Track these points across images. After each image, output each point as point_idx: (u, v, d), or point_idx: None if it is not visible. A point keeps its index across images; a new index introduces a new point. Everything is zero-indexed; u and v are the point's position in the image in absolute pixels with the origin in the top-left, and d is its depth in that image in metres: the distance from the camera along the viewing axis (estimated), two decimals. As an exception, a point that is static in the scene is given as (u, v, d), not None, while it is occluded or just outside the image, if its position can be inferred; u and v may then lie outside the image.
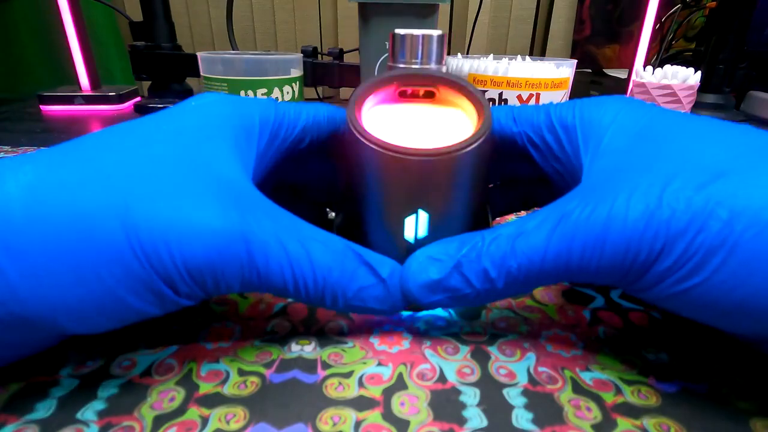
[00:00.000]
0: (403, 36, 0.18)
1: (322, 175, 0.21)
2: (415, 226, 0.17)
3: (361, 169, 0.17)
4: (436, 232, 0.17)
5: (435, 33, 0.18)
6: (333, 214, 0.24)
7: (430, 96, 0.18)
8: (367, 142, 0.16)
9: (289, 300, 0.20)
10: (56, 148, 0.14)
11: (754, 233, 0.12)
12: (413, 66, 0.18)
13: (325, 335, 0.17)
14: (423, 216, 0.17)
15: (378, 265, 0.16)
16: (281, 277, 0.14)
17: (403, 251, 0.18)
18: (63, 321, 0.13)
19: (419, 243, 0.17)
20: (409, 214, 0.17)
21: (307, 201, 0.23)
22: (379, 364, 0.16)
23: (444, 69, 0.19)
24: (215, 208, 0.14)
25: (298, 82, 0.40)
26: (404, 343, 0.17)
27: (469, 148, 0.16)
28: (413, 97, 0.18)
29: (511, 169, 0.21)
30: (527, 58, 0.44)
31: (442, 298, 0.16)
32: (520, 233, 0.15)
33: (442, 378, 0.15)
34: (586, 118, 0.17)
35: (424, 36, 0.18)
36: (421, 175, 0.16)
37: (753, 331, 0.13)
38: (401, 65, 0.18)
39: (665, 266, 0.13)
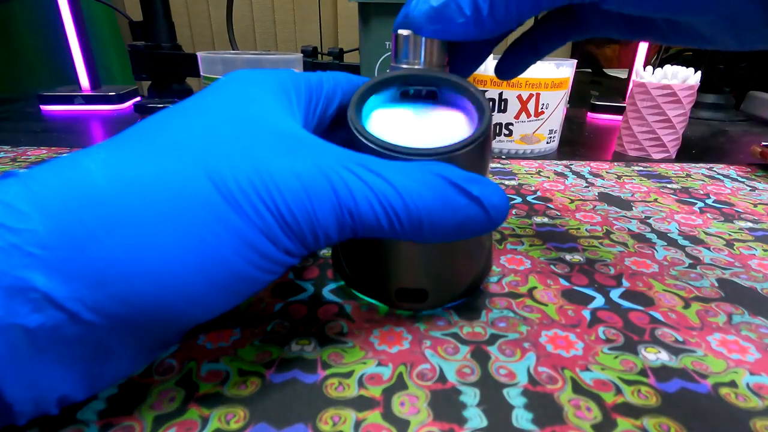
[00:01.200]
0: (406, 36, 0.18)
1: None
2: None
3: None
4: None
5: None
6: None
7: (431, 96, 0.18)
8: (367, 142, 0.16)
9: (290, 299, 0.20)
10: (116, 136, 0.14)
11: None
12: (415, 66, 0.18)
13: (325, 335, 0.17)
14: None
15: (467, 183, 0.14)
16: (372, 211, 0.13)
17: (402, 253, 0.18)
18: (174, 298, 0.12)
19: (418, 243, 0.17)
20: None
21: None
22: (379, 364, 0.16)
23: (447, 69, 0.19)
24: (290, 154, 0.13)
25: (298, 82, 0.40)
26: (404, 343, 0.17)
27: (467, 148, 0.16)
28: (415, 97, 0.18)
29: None
30: (527, 58, 0.44)
31: (439, 28, 0.17)
32: None
33: (442, 378, 0.15)
34: None
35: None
36: None
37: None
38: (404, 65, 0.18)
39: None
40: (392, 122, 0.17)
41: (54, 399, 0.12)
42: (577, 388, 0.15)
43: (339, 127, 0.19)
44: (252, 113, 0.14)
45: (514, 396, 0.15)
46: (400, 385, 0.15)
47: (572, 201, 0.32)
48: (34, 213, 0.11)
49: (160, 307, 0.12)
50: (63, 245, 0.11)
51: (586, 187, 0.35)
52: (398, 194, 0.14)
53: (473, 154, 0.16)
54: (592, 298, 0.20)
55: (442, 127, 0.17)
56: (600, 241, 0.26)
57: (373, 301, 0.20)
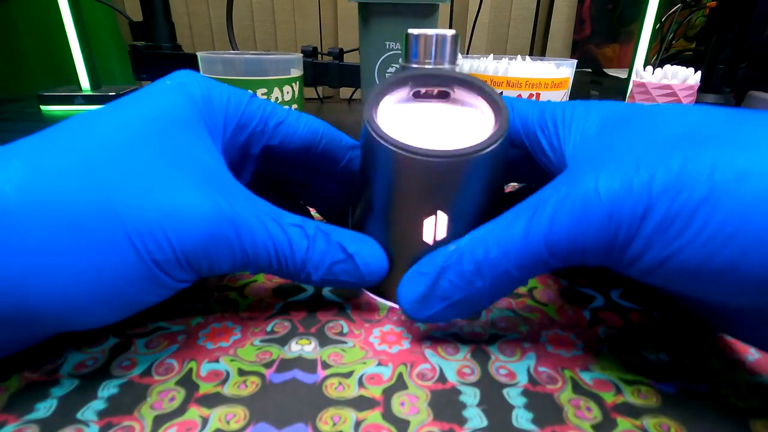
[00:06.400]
0: (417, 36, 0.18)
1: (302, 175, 0.22)
2: (434, 228, 0.17)
3: (379, 170, 0.16)
4: (455, 234, 0.17)
5: (448, 33, 0.18)
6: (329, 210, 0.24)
7: (444, 96, 0.18)
8: (385, 143, 0.15)
9: (290, 299, 0.20)
10: (38, 137, 0.14)
11: (736, 188, 0.11)
12: (426, 66, 0.18)
13: (325, 335, 0.17)
14: (442, 217, 0.16)
15: (347, 242, 0.17)
16: (267, 257, 0.15)
17: (423, 254, 0.18)
18: (65, 315, 0.13)
19: (438, 245, 0.17)
20: (428, 216, 0.16)
21: (283, 192, 0.24)
22: (379, 364, 0.16)
23: (457, 69, 0.19)
24: (202, 195, 0.14)
25: (298, 82, 0.40)
26: (404, 343, 0.17)
27: (489, 149, 0.15)
28: (427, 97, 0.18)
29: (517, 167, 0.21)
30: (527, 58, 0.44)
31: (438, 309, 0.16)
32: (500, 227, 0.15)
33: (442, 378, 0.15)
34: (567, 118, 0.17)
35: (437, 36, 0.18)
36: (440, 176, 0.15)
37: (736, 299, 0.13)
38: (414, 65, 0.18)
39: (650, 229, 0.12)
40: (407, 122, 0.17)
41: None
42: (577, 388, 0.15)
43: (269, 162, 0.20)
44: (175, 142, 0.15)
45: (514, 396, 0.15)
46: (400, 385, 0.15)
47: (572, 201, 0.32)
48: None
49: (52, 318, 0.13)
50: None
51: (586, 187, 0.35)
52: (291, 247, 0.16)
53: (494, 154, 0.16)
54: (592, 298, 0.20)
55: (458, 127, 0.17)
56: (600, 241, 0.26)
57: (374, 297, 0.20)
